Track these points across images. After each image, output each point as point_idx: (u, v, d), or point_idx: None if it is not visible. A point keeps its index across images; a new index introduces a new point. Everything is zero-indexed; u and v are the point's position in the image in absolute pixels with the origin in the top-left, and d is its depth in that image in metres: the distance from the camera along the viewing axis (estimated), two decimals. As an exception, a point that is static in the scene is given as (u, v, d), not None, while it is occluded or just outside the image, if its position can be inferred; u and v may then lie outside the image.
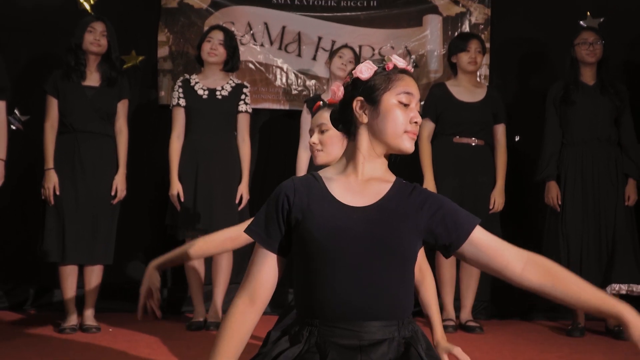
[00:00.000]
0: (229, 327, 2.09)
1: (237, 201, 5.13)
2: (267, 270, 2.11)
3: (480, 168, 5.23)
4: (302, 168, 5.25)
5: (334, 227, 2.03)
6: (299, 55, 5.91)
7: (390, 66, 2.15)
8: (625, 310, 1.99)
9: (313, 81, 5.90)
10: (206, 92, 5.18)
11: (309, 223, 2.05)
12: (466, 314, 5.21)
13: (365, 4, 5.93)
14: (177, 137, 5.16)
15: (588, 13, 5.63)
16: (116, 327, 4.97)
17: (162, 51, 5.86)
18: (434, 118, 5.26)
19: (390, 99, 2.11)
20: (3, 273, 5.62)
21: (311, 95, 5.73)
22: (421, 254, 2.85)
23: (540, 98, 5.41)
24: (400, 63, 2.16)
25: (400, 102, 2.11)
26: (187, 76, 5.28)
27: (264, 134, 5.95)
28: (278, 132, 5.97)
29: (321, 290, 2.03)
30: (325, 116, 2.95)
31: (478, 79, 5.67)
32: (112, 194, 4.96)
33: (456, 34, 5.78)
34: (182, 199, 5.07)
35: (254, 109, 5.39)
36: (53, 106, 4.95)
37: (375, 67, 2.15)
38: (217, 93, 5.19)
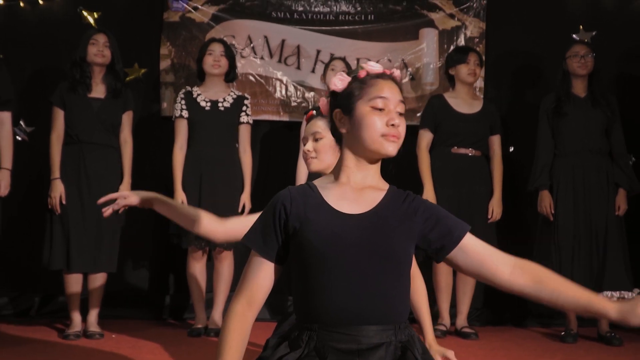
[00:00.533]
0: (231, 328, 2.11)
1: (239, 210, 5.18)
2: (263, 276, 2.12)
3: (477, 178, 5.29)
4: (301, 178, 5.28)
5: (330, 235, 2.05)
6: (298, 67, 5.97)
7: (363, 74, 2.16)
8: (609, 307, 2.05)
9: (312, 93, 5.96)
10: (208, 104, 5.24)
11: (306, 231, 2.07)
12: (462, 320, 5.27)
13: (363, 18, 5.99)
14: (180, 148, 5.22)
15: (580, 27, 5.69)
16: (119, 333, 5.01)
17: (164, 64, 5.92)
18: (433, 129, 5.32)
19: (363, 106, 2.12)
20: (9, 281, 5.66)
21: (310, 107, 5.78)
22: None
23: (533, 110, 5.45)
24: (374, 69, 2.17)
25: (374, 108, 2.11)
26: (189, 88, 5.33)
27: (265, 145, 5.99)
28: (278, 143, 6.01)
29: (319, 296, 2.05)
30: (319, 124, 2.99)
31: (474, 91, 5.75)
32: None
33: (452, 47, 5.84)
34: None
35: (254, 120, 5.44)
36: (59, 117, 5.00)
37: (348, 78, 2.17)
38: (219, 105, 5.25)
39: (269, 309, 5.60)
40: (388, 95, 2.13)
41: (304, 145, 3.07)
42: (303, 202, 2.11)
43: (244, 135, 5.31)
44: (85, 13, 5.73)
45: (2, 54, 4.94)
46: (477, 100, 5.46)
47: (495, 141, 5.35)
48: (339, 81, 2.18)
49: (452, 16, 5.98)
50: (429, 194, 5.14)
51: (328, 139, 2.87)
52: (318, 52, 5.97)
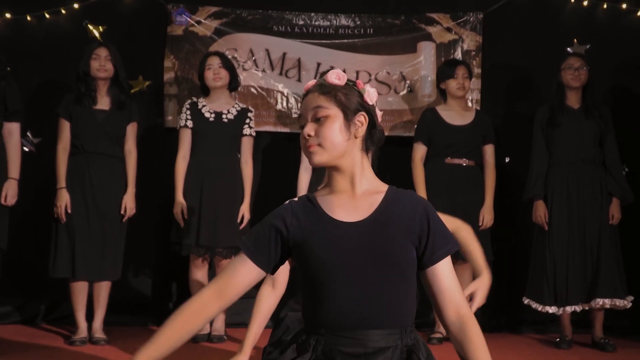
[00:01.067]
0: (184, 308, 2.12)
1: (238, 220, 5.24)
2: (242, 275, 2.12)
3: (471, 187, 5.34)
4: (302, 188, 5.33)
5: (331, 244, 2.08)
6: (299, 80, 6.03)
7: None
8: None
9: (312, 105, 6.01)
10: (213, 115, 5.32)
11: (309, 242, 2.09)
12: (458, 328, 5.33)
13: (362, 32, 6.06)
14: (183, 157, 5.30)
15: (575, 40, 5.74)
16: (124, 339, 5.06)
17: (168, 76, 5.98)
18: (426, 141, 5.38)
19: None
20: (16, 289, 5.70)
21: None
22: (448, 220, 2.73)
23: (528, 121, 5.52)
24: (308, 86, 2.25)
25: (300, 125, 2.18)
26: (194, 99, 5.41)
27: (266, 156, 6.05)
28: (279, 154, 6.07)
29: (325, 303, 2.08)
30: None
31: (470, 103, 5.80)
32: (122, 212, 5.07)
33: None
34: (186, 216, 5.19)
35: (255, 132, 5.48)
36: (65, 129, 5.06)
37: None
38: (223, 116, 5.32)
39: (271, 316, 5.65)
40: (302, 111, 2.19)
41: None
42: (303, 215, 2.14)
43: (246, 146, 5.37)
44: (90, 27, 5.78)
45: (9, 66, 4.95)
46: (469, 112, 5.52)
47: (488, 150, 5.40)
48: None
49: (449, 30, 6.05)
50: (422, 205, 5.17)
51: None
52: (318, 64, 6.03)
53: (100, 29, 5.82)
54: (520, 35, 6.09)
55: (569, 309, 5.16)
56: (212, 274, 5.38)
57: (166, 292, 5.96)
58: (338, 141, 2.13)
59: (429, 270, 2.13)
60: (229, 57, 5.61)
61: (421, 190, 5.26)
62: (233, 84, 5.43)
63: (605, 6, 5.97)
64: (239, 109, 5.39)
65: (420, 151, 5.40)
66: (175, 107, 5.92)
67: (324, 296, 2.08)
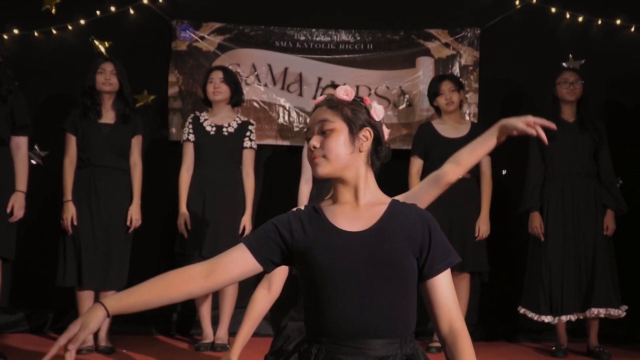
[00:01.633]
0: (172, 275, 2.14)
1: (239, 232, 5.31)
2: (238, 262, 2.14)
3: (467, 199, 5.38)
4: (303, 200, 5.39)
5: (334, 253, 2.10)
6: (300, 94, 6.13)
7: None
8: None
9: (313, 119, 6.08)
10: (214, 129, 5.41)
11: (313, 250, 2.12)
12: (456, 337, 5.40)
13: (362, 47, 6.15)
14: (187, 170, 5.39)
15: (570, 55, 5.81)
16: (129, 348, 5.16)
17: (172, 91, 6.07)
18: (422, 155, 5.45)
19: None
20: (24, 299, 5.78)
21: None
22: None
23: (524, 134, 5.58)
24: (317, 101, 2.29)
25: (307, 138, 2.24)
26: (197, 113, 5.51)
27: (267, 168, 6.13)
28: (280, 167, 6.13)
29: (327, 311, 2.10)
30: None
31: (467, 117, 5.89)
32: (127, 223, 5.14)
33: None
34: (189, 227, 5.29)
35: (257, 145, 5.55)
36: (72, 143, 5.15)
37: None
38: (224, 130, 5.41)
39: (272, 325, 5.77)
40: (309, 124, 2.25)
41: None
42: (309, 223, 2.17)
43: (248, 159, 5.45)
44: (96, 42, 5.88)
45: (17, 81, 5.02)
46: (464, 124, 5.57)
47: (484, 162, 5.39)
48: None
49: (447, 45, 6.13)
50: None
51: None
52: (319, 79, 6.12)
53: (106, 44, 5.92)
54: (517, 51, 6.17)
55: (564, 318, 5.23)
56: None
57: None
58: (342, 154, 2.18)
59: (428, 282, 2.17)
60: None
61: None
62: (234, 99, 5.50)
63: (599, 22, 6.06)
64: (239, 122, 5.48)
65: (416, 165, 5.47)
66: (180, 121, 6.01)
67: (326, 304, 2.11)
